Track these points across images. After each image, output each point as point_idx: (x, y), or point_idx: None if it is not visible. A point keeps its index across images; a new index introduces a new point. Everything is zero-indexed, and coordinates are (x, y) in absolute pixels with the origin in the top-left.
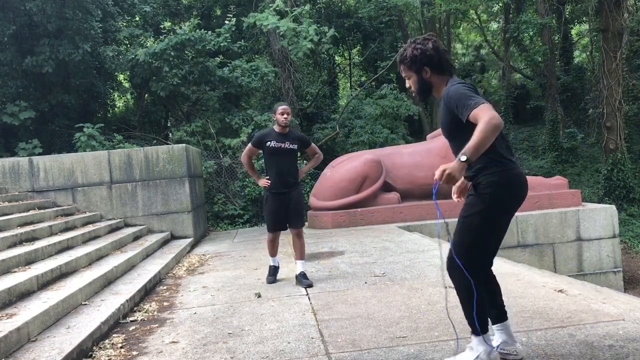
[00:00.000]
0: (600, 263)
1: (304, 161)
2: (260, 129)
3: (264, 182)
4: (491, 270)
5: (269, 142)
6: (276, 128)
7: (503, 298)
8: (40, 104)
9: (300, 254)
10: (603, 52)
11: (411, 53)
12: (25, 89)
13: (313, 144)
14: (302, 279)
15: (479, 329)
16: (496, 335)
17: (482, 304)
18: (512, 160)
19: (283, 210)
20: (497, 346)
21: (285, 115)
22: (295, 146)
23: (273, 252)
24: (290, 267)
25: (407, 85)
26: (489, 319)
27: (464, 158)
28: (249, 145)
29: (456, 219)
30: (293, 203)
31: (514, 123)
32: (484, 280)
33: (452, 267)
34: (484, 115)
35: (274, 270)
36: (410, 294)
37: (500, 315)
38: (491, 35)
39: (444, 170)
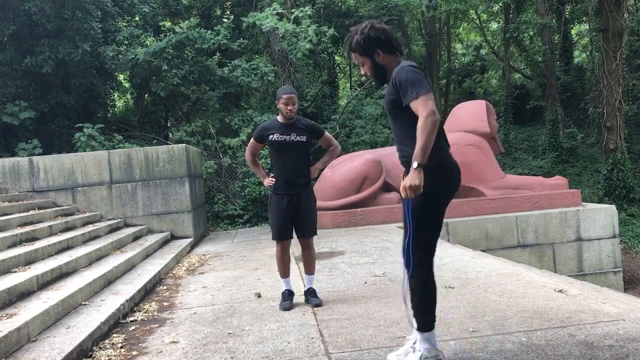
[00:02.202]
0: (600, 263)
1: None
2: None
3: (268, 181)
4: None
5: (271, 135)
6: (279, 118)
7: (503, 298)
8: (40, 104)
9: (310, 268)
10: (603, 52)
11: (360, 38)
12: (25, 88)
13: (327, 134)
14: (311, 297)
15: (428, 325)
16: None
17: (434, 299)
18: (444, 148)
19: (290, 214)
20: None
21: (290, 107)
22: (304, 137)
23: (284, 271)
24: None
25: (362, 72)
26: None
27: (415, 165)
28: (251, 140)
29: (453, 219)
30: (303, 208)
31: (514, 123)
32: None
33: (416, 265)
34: (422, 112)
35: (288, 295)
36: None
37: None
38: (491, 35)
39: (405, 187)
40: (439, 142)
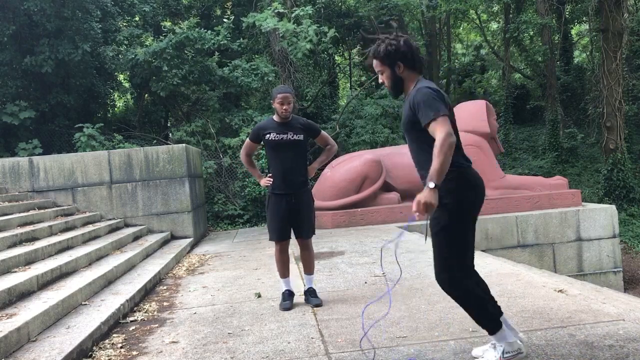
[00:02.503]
0: (600, 263)
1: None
2: None
3: (265, 181)
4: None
5: (268, 135)
6: (275, 117)
7: (503, 298)
8: (40, 103)
9: (310, 268)
10: (603, 52)
11: (385, 48)
12: (25, 88)
13: (324, 133)
14: (311, 297)
15: (493, 326)
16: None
17: (485, 304)
18: (465, 164)
19: (289, 214)
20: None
21: (285, 107)
22: (301, 136)
23: (284, 271)
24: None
25: (380, 80)
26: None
27: (432, 185)
28: (247, 140)
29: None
30: (302, 208)
31: (514, 123)
32: (476, 280)
33: (449, 284)
34: (439, 134)
35: (288, 295)
36: (410, 294)
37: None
38: (491, 35)
39: (419, 203)
40: (458, 159)
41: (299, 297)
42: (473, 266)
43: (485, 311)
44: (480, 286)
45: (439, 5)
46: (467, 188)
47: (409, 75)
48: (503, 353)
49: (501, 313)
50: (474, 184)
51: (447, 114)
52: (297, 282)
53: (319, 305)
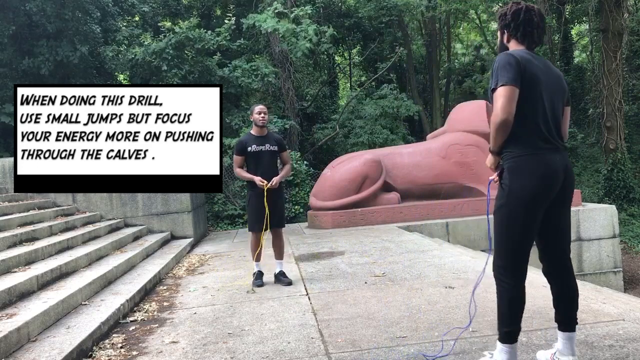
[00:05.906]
0: (600, 263)
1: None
2: None
3: (259, 180)
4: (555, 272)
5: (250, 147)
6: (253, 131)
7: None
8: None
9: (280, 254)
10: (603, 52)
11: (501, 12)
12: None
13: (287, 152)
14: (282, 277)
15: (506, 337)
16: (559, 340)
17: (516, 311)
18: (518, 152)
19: (264, 208)
20: (554, 352)
21: (262, 115)
22: (275, 148)
23: (258, 256)
24: (290, 266)
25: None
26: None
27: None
28: (235, 156)
29: (453, 219)
30: (275, 200)
31: None
32: (520, 285)
33: (493, 269)
34: (494, 109)
35: (259, 274)
36: (410, 294)
37: (565, 323)
38: (491, 35)
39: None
40: (515, 144)
41: (301, 296)
42: (524, 271)
43: (511, 318)
44: (523, 297)
45: (438, 5)
46: (518, 176)
47: (515, 47)
48: None
49: (570, 329)
50: (529, 172)
51: (509, 83)
52: (297, 282)
53: (289, 283)
